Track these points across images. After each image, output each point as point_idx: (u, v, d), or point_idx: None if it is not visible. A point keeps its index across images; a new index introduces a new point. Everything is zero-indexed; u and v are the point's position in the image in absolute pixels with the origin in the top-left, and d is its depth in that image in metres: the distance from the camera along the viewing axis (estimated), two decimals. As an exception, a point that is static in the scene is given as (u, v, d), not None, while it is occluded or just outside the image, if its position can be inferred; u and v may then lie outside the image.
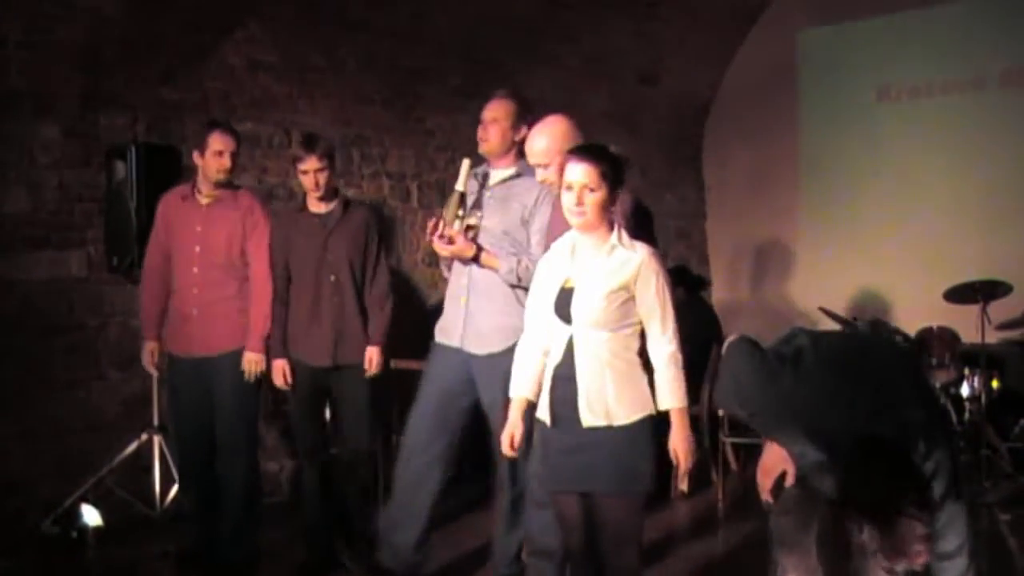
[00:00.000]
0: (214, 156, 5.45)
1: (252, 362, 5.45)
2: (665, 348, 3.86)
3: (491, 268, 4.89)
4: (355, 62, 7.77)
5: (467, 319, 4.98)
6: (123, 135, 6.66)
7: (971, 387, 7.17)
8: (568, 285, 3.90)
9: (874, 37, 9.31)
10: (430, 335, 5.24)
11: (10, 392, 6.33)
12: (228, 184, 5.58)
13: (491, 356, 4.88)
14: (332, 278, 5.39)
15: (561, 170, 3.96)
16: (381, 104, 8.07)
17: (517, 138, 4.94)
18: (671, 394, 3.86)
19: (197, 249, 5.49)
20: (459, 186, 4.93)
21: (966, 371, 7.21)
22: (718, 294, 10.28)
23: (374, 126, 8.05)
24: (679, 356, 3.88)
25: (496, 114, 4.98)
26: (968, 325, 7.41)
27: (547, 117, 4.62)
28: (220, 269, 5.48)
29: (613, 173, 3.85)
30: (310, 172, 5.36)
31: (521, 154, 4.87)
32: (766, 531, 3.75)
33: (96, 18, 6.45)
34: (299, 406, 5.62)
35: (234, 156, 5.51)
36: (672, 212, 10.38)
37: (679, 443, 3.90)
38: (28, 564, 5.80)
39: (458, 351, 5.01)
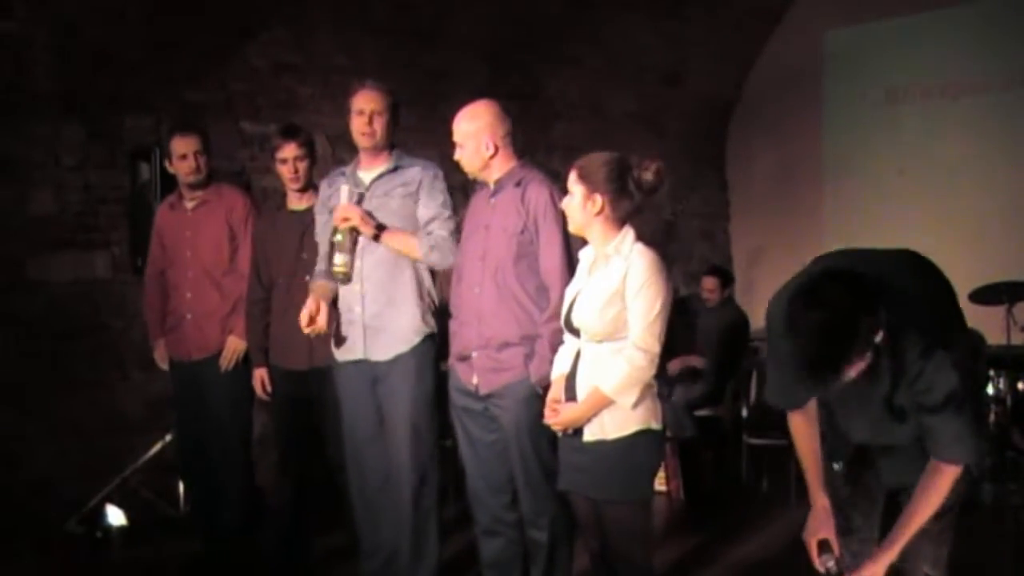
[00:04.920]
0: (179, 160, 5.45)
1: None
2: (627, 346, 3.74)
3: (399, 245, 4.67)
4: (378, 63, 7.76)
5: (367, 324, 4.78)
6: (147, 137, 6.68)
7: (996, 389, 7.10)
8: (576, 297, 3.90)
9: (898, 37, 9.26)
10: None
11: (35, 393, 6.38)
12: (205, 184, 5.53)
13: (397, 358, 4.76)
14: (307, 278, 5.04)
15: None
16: (404, 105, 8.04)
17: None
18: (608, 378, 3.73)
19: (188, 254, 5.51)
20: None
21: (991, 373, 7.15)
22: (740, 294, 10.23)
23: (397, 127, 8.06)
24: (636, 358, 3.71)
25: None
26: (993, 327, 7.36)
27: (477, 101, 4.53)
28: (209, 272, 5.46)
29: (595, 177, 3.82)
30: (289, 160, 5.15)
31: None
32: (793, 531, 3.72)
33: (121, 20, 6.48)
34: (276, 414, 5.37)
35: (199, 155, 5.45)
36: (695, 212, 10.36)
37: (572, 411, 3.81)
38: (53, 563, 5.83)
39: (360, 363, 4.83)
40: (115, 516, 6.19)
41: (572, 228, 3.93)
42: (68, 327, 6.58)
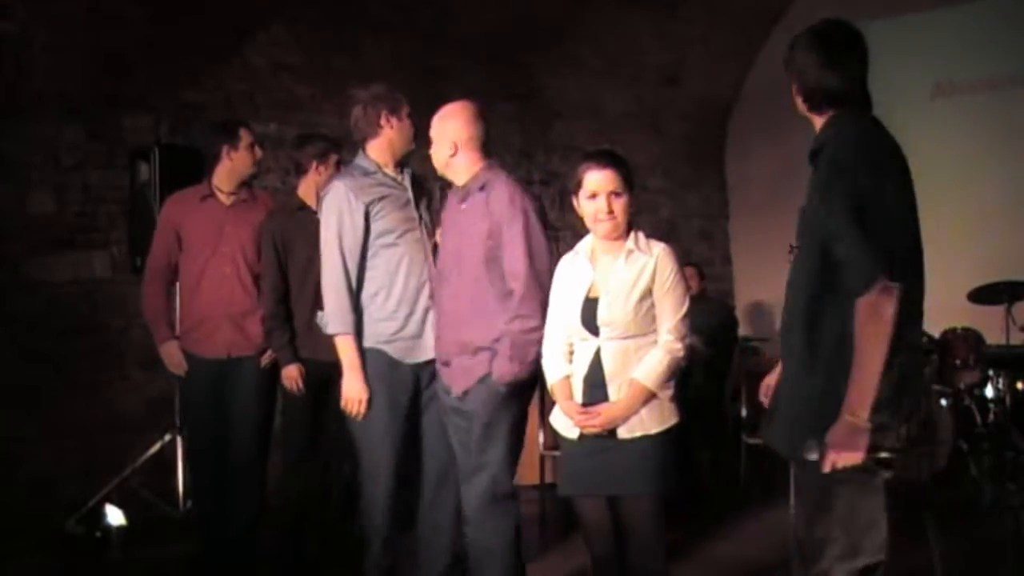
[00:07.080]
0: (247, 150, 5.40)
1: None
2: (663, 337, 3.83)
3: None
4: (378, 63, 7.77)
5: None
6: (147, 137, 6.69)
7: (995, 389, 7.11)
8: (593, 295, 3.87)
9: (897, 36, 9.25)
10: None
11: (35, 393, 6.39)
12: (248, 183, 5.55)
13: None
14: None
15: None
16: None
17: None
18: (646, 371, 3.79)
19: (226, 249, 5.37)
20: None
21: (990, 372, 7.15)
22: (741, 294, 10.25)
23: (397, 127, 8.06)
24: (676, 348, 3.82)
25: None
26: (993, 326, 7.36)
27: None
28: (251, 268, 5.38)
29: (631, 177, 3.89)
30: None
31: None
32: (790, 528, 3.72)
33: (120, 21, 6.49)
34: (300, 409, 5.32)
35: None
36: (695, 212, 10.37)
37: (615, 408, 3.80)
38: (52, 563, 5.82)
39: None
40: (115, 516, 6.19)
41: (615, 234, 3.89)
42: (67, 327, 6.58)
